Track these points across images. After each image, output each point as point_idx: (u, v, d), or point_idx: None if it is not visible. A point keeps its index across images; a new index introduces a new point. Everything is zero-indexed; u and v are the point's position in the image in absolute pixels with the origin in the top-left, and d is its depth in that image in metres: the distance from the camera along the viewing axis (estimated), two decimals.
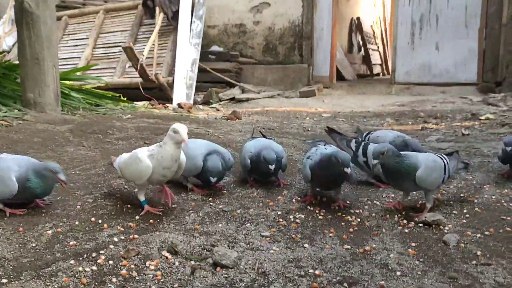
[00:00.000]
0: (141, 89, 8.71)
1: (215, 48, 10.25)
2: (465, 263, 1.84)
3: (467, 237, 2.11)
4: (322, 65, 10.18)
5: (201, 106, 8.50)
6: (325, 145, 2.75)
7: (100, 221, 2.27)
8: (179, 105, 8.01)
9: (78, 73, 7.56)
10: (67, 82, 6.67)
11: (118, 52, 9.55)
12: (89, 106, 6.29)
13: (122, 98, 7.55)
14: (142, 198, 2.45)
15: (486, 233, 2.16)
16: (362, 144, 3.06)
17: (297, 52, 9.92)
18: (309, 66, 9.83)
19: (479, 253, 1.92)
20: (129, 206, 2.52)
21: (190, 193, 2.76)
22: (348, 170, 2.36)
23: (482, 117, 6.02)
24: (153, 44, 9.29)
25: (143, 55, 8.71)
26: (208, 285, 1.65)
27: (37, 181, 2.31)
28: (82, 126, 4.71)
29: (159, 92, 8.94)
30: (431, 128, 5.72)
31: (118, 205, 2.52)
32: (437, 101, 7.87)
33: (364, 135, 3.56)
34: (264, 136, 3.50)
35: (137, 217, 2.35)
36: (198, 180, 2.83)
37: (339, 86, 9.68)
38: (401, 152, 2.50)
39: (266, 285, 1.65)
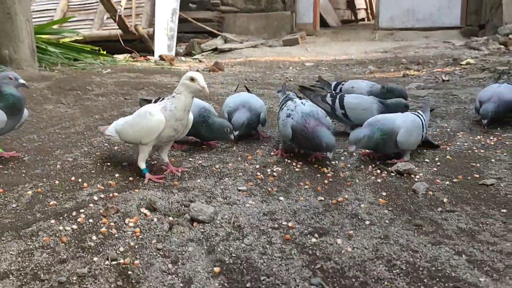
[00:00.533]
0: (121, 41, 8.51)
1: None
2: (432, 210, 1.92)
3: (436, 185, 2.19)
4: (305, 12, 9.96)
5: (183, 58, 8.36)
6: (300, 98, 2.77)
7: (80, 180, 2.30)
8: (161, 57, 7.87)
9: (54, 26, 7.33)
10: (43, 36, 6.49)
11: (95, 2, 9.23)
12: (67, 61, 6.16)
13: (101, 51, 7.39)
14: (143, 166, 2.31)
15: (455, 180, 2.24)
16: (338, 97, 3.08)
17: None
18: (292, 13, 9.64)
19: (445, 200, 2.01)
20: (109, 164, 2.55)
21: (170, 149, 2.79)
22: (330, 155, 2.39)
23: (463, 62, 6.04)
24: None
25: (121, 6, 8.45)
26: (185, 240, 1.71)
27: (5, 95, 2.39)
28: (60, 83, 4.64)
29: (140, 44, 8.75)
30: (413, 75, 5.73)
31: (98, 164, 2.54)
32: (420, 47, 7.84)
33: (334, 85, 3.56)
34: (247, 90, 3.50)
35: (117, 175, 2.38)
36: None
37: (323, 33, 9.56)
38: (378, 117, 2.55)
39: (240, 238, 1.72)
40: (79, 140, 2.97)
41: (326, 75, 6.01)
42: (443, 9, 8.80)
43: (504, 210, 1.89)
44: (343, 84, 3.55)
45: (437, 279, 1.41)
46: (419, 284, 1.41)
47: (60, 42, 6.77)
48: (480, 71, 5.47)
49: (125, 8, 8.65)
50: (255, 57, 7.98)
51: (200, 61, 7.91)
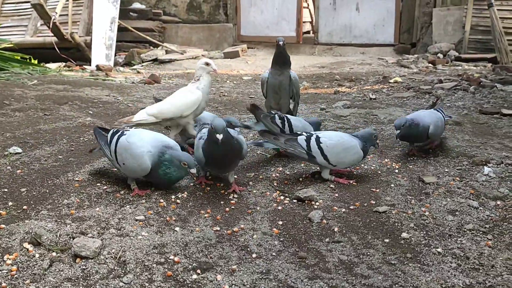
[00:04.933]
0: (56, 49, 8.24)
1: (136, 5, 9.80)
2: (320, 240, 1.96)
3: (332, 213, 2.23)
4: (268, 25, 9.69)
5: (121, 68, 8.19)
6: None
7: None
8: (98, 67, 7.68)
9: None
10: None
11: (30, 8, 8.88)
12: None
13: (32, 60, 7.12)
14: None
15: (351, 207, 2.30)
16: (286, 119, 3.09)
17: (222, 11, 9.70)
18: (234, 26, 9.68)
19: (336, 229, 2.05)
20: (5, 190, 2.43)
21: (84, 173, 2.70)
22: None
23: (392, 80, 6.27)
24: (67, 0, 8.73)
25: (56, 13, 8.18)
26: (62, 279, 1.65)
27: None
28: None
29: (78, 53, 8.51)
30: (344, 92, 5.89)
31: None
32: (355, 63, 8.09)
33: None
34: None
35: (10, 203, 2.28)
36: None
37: (264, 47, 9.65)
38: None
39: (121, 275, 1.68)
40: None
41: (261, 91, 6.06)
42: (378, 26, 9.12)
43: (387, 240, 1.96)
44: None
45: None
46: None
47: None
48: (406, 90, 5.70)
49: (60, 15, 8.38)
50: (194, 69, 7.94)
51: (139, 72, 7.78)
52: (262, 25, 9.75)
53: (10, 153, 2.99)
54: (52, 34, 8.30)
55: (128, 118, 2.92)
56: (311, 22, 15.10)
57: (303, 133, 2.70)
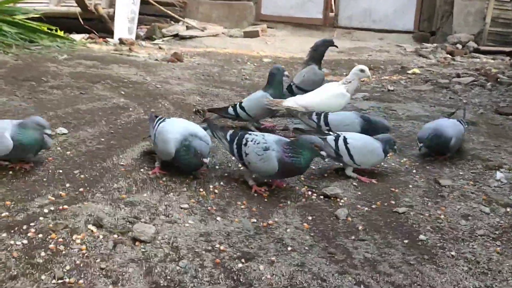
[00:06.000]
0: (80, 19, 8.37)
1: None
2: (347, 237, 2.21)
3: (356, 210, 2.48)
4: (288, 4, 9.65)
5: (143, 42, 8.33)
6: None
7: (30, 189, 2.43)
8: (121, 41, 7.84)
9: (9, 5, 7.13)
10: None
11: None
12: (22, 43, 6.08)
13: (58, 31, 7.28)
14: None
15: (373, 206, 2.53)
16: (322, 115, 3.31)
17: None
18: (254, 4, 9.74)
19: (360, 227, 2.30)
20: (60, 171, 2.68)
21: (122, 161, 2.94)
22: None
23: (410, 71, 6.40)
24: None
25: None
26: (127, 260, 1.92)
27: None
28: (14, 72, 4.64)
29: (100, 24, 8.64)
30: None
31: (50, 171, 2.68)
32: (374, 49, 8.18)
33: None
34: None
35: (68, 185, 2.53)
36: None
37: (284, 27, 9.72)
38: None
39: (177, 260, 1.95)
40: None
41: None
42: (398, 12, 9.15)
43: (406, 241, 2.20)
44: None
45: None
46: None
47: (16, 20, 6.61)
48: (423, 83, 5.85)
49: None
50: (214, 48, 8.07)
51: (160, 48, 7.91)
52: (285, 5, 9.75)
53: (58, 133, 3.23)
54: (76, 5, 8.44)
55: (279, 100, 3.41)
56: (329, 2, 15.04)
57: (331, 133, 2.93)
